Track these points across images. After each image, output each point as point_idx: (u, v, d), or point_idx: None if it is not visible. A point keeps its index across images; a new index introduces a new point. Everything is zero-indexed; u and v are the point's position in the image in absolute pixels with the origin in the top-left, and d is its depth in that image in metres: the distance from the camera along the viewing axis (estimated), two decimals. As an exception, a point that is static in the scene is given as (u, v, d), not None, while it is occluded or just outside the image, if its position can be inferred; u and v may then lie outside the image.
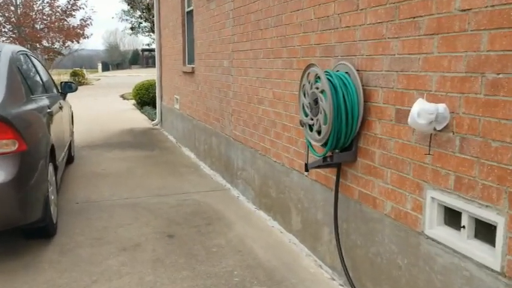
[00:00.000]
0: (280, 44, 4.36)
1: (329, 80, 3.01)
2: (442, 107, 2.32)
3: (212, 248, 4.04)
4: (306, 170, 3.45)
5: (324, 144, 3.12)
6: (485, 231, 2.21)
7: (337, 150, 3.20)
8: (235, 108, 5.77)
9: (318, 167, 3.34)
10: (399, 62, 2.69)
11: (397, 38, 2.71)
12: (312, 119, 3.19)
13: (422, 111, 2.30)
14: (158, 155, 8.14)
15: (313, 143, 3.24)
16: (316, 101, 3.10)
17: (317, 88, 3.07)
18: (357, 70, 3.08)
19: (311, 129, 3.25)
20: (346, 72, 3.12)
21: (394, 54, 2.74)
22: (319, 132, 3.15)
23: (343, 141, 3.08)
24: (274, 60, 4.52)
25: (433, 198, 2.48)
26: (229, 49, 5.95)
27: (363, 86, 3.02)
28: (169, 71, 10.19)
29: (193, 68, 7.84)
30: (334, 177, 3.44)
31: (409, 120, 2.38)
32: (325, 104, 2.97)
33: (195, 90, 7.80)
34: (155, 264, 3.73)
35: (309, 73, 3.20)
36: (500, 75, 2.03)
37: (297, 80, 4.02)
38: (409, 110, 2.56)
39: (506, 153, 2.02)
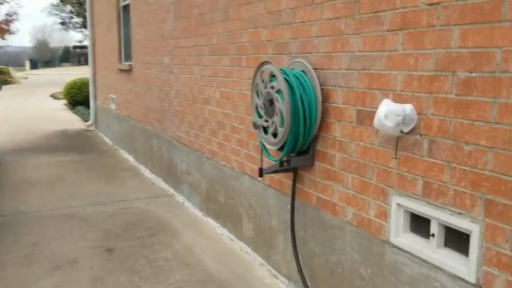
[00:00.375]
0: (228, 40, 4.10)
1: (285, 79, 2.80)
2: (409, 107, 2.17)
3: (158, 261, 3.71)
4: (260, 175, 3.22)
5: (281, 148, 2.91)
6: (457, 240, 2.09)
7: (293, 154, 3.00)
8: (178, 108, 5.44)
9: (274, 172, 3.12)
10: (360, 59, 2.53)
11: (357, 34, 2.55)
12: (267, 121, 2.97)
13: (390, 112, 2.14)
14: (94, 158, 7.59)
15: (268, 146, 3.02)
16: (271, 102, 2.88)
17: (272, 88, 2.85)
18: (314, 68, 2.89)
19: (266, 132, 3.03)
20: (302, 71, 2.93)
21: (355, 52, 2.58)
22: (275, 135, 2.93)
23: (301, 145, 2.88)
24: (221, 57, 4.25)
25: (399, 204, 2.34)
26: (170, 45, 5.60)
27: (320, 85, 2.83)
28: (104, 69, 9.60)
29: (130, 65, 7.38)
30: (290, 182, 3.24)
31: (374, 122, 2.22)
32: (282, 105, 2.76)
33: (132, 88, 7.34)
34: (94, 284, 3.35)
35: (262, 71, 2.97)
36: (474, 74, 1.91)
37: (247, 78, 3.78)
38: (372, 111, 2.40)
39: (480, 157, 1.90)
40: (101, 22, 9.65)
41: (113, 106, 8.83)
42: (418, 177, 2.20)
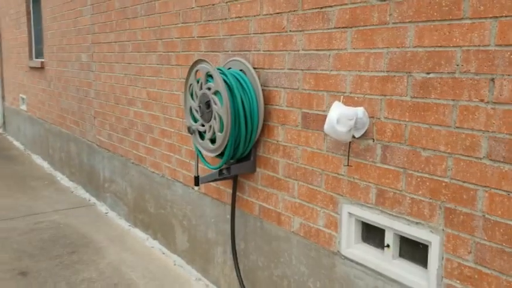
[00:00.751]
0: (154, 35, 3.76)
1: (224, 79, 2.55)
2: (360, 111, 2.02)
3: (80, 284, 3.30)
4: (197, 184, 2.95)
5: (220, 155, 2.66)
6: (413, 251, 1.98)
7: (232, 161, 2.76)
8: (98, 110, 4.97)
9: (213, 180, 2.86)
10: (305, 59, 2.35)
11: (301, 31, 2.36)
12: (204, 125, 2.70)
13: (342, 116, 1.97)
14: (1, 165, 6.81)
15: (205, 153, 2.76)
16: (208, 104, 2.61)
17: (209, 89, 2.59)
18: (254, 68, 2.67)
19: (202, 137, 2.76)
20: (241, 70, 2.70)
21: (298, 50, 2.39)
22: (213, 141, 2.68)
23: (242, 151, 2.65)
24: (146, 54, 3.90)
25: (350, 213, 2.19)
26: (88, 41, 5.10)
27: (262, 86, 2.62)
28: (12, 67, 8.69)
29: (42, 62, 6.70)
30: (229, 190, 3.01)
31: (325, 127, 2.04)
32: (221, 108, 2.51)
33: (46, 88, 6.67)
34: (3, 318, 2.88)
35: (197, 70, 2.70)
36: (431, 75, 1.79)
37: (177, 78, 3.48)
38: (319, 114, 2.24)
39: (439, 163, 1.79)
40: (8, 15, 8.73)
41: (23, 107, 8.01)
42: (371, 184, 2.07)
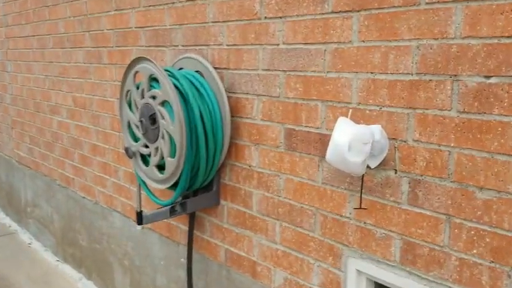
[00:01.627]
0: (80, 27, 2.96)
1: (174, 84, 1.85)
2: (377, 130, 1.41)
3: None
4: (140, 222, 2.23)
5: (173, 186, 1.96)
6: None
7: (188, 191, 2.07)
8: (16, 118, 4.08)
9: (163, 219, 2.16)
10: (288, 56, 1.71)
11: (281, 17, 1.71)
12: (147, 147, 1.99)
13: (355, 140, 1.34)
14: None
15: (150, 183, 2.04)
16: (153, 119, 1.90)
17: (154, 97, 1.88)
18: (216, 68, 1.99)
19: (146, 163, 2.04)
20: (198, 71, 2.01)
21: (278, 44, 1.74)
22: (161, 168, 1.97)
23: (202, 180, 1.97)
24: (71, 50, 3.09)
25: (359, 271, 1.58)
26: (1, 35, 4.19)
27: (227, 92, 1.95)
28: None
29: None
30: (184, 227, 2.31)
31: (329, 155, 1.41)
32: (172, 125, 1.81)
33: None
34: None
35: (136, 72, 1.97)
36: (493, 79, 1.20)
37: (110, 80, 2.72)
38: (310, 132, 1.61)
39: (507, 210, 1.20)
40: None
41: None
42: (392, 234, 1.46)
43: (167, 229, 2.45)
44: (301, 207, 1.74)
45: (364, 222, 1.53)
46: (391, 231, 1.46)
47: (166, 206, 2.02)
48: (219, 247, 2.13)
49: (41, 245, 3.90)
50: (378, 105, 1.45)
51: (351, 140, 1.34)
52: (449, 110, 1.28)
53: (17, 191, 4.27)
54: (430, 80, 1.32)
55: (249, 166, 1.93)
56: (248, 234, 1.98)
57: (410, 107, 1.37)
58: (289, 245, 1.81)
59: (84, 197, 3.17)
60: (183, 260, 2.38)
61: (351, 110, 1.48)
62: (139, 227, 2.23)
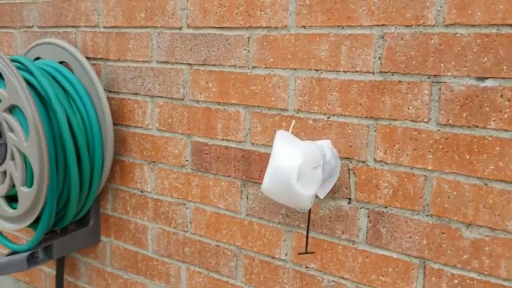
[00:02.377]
0: None
1: (28, 81, 1.28)
2: (327, 146, 1.04)
3: None
4: (-17, 272, 1.60)
5: (33, 224, 1.38)
6: None
7: (55, 229, 1.51)
8: None
9: (20, 270, 1.55)
10: (195, 44, 1.26)
11: (185, -9, 1.25)
12: (-11, 171, 1.38)
13: (306, 164, 0.96)
14: None
15: (-4, 222, 1.43)
16: (-5, 131, 1.31)
17: (-4, 100, 1.28)
18: (88, 58, 1.45)
19: (-12, 193, 1.43)
20: (63, 63, 1.45)
21: (181, 28, 1.28)
22: (12, 200, 1.38)
23: (74, 212, 1.42)
24: None
25: (298, 326, 1.21)
26: None
27: (107, 92, 1.43)
28: None
29: None
30: (50, 271, 1.73)
31: (267, 185, 1.00)
32: (26, 141, 1.24)
33: None
34: None
35: (-34, 62, 1.34)
36: (489, 82, 0.90)
37: None
38: (229, 148, 1.20)
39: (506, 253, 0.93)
40: None
41: None
42: (345, 282, 1.11)
43: (25, 272, 1.83)
44: (217, 246, 1.31)
45: (306, 267, 1.16)
46: (343, 278, 1.12)
47: (21, 252, 1.43)
48: (102, 297, 1.61)
49: None
50: (325, 114, 1.08)
51: (301, 165, 0.95)
52: (426, 122, 0.96)
53: None
54: (400, 82, 0.98)
55: (141, 192, 1.44)
56: (142, 281, 1.49)
57: (371, 117, 1.02)
58: (200, 294, 1.37)
59: None
60: (51, 313, 1.79)
61: (293, 122, 1.09)
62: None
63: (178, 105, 1.31)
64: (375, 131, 1.02)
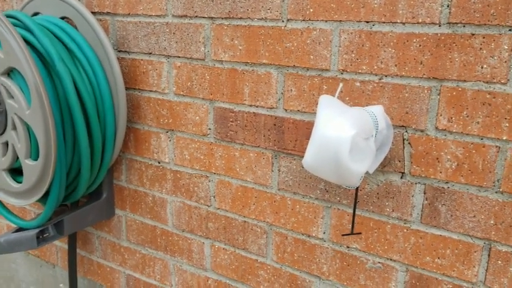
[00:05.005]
0: None
1: (27, 41, 1.12)
2: (379, 113, 0.89)
3: None
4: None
5: (42, 199, 1.26)
6: None
7: (65, 203, 1.39)
8: None
9: (28, 249, 1.45)
10: (218, -7, 1.08)
11: None
12: (-11, 142, 1.24)
13: (359, 135, 0.81)
14: None
15: (1, 196, 1.31)
16: (-7, 98, 1.16)
17: (-9, 62, 1.12)
18: (94, 13, 1.28)
19: (-11, 166, 1.30)
20: (65, 18, 1.27)
21: (200, -26, 1.10)
22: (16, 172, 1.25)
23: (86, 185, 1.30)
24: None
25: (337, 309, 1.11)
26: None
27: (116, 51, 1.27)
28: None
29: None
30: (62, 245, 1.63)
31: (309, 160, 0.86)
32: (28, 108, 1.09)
33: None
34: None
35: (-45, 19, 1.17)
36: None
37: None
38: (258, 114, 1.06)
39: None
40: None
41: None
42: (394, 264, 0.99)
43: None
44: (245, 222, 1.19)
45: (348, 247, 1.04)
46: (391, 259, 1.00)
47: (29, 229, 1.32)
48: (117, 272, 1.51)
49: None
50: (376, 74, 0.92)
51: (354, 135, 0.80)
52: (503, 84, 0.81)
53: None
54: (473, 35, 0.82)
55: (158, 162, 1.30)
56: (161, 257, 1.38)
57: (434, 78, 0.87)
58: (225, 272, 1.26)
59: None
60: (63, 286, 1.71)
61: (341, 84, 0.93)
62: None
63: (198, 66, 1.15)
64: (438, 95, 0.87)
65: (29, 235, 1.30)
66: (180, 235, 1.32)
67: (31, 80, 1.06)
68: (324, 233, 1.07)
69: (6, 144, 1.21)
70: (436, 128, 0.88)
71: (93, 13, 1.28)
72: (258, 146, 1.11)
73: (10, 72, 1.12)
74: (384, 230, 0.99)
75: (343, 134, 0.80)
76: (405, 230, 0.96)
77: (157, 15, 1.19)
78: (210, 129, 1.18)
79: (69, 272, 1.57)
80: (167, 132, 1.26)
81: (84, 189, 1.30)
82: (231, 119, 1.14)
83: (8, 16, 1.18)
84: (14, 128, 1.16)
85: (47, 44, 1.12)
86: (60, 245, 1.65)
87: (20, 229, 1.34)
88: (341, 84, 0.93)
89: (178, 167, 1.27)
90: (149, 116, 1.28)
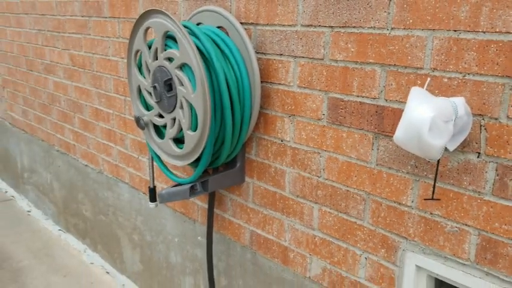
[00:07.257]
0: (76, -27, 2.59)
1: (195, 44, 1.54)
2: (461, 103, 1.12)
3: None
4: (153, 199, 1.99)
5: (194, 163, 1.69)
6: None
7: (209, 168, 1.81)
8: (7, 77, 3.74)
9: (182, 199, 1.90)
10: (338, 7, 1.39)
11: (330, -41, 1.38)
12: (162, 117, 1.70)
13: (438, 117, 1.06)
14: None
15: (165, 158, 1.77)
16: (169, 85, 1.61)
17: (170, 59, 1.57)
18: (242, 23, 1.67)
19: (161, 135, 1.77)
20: (220, 27, 1.69)
21: (324, -7, 1.42)
22: (178, 141, 1.70)
23: (227, 155, 1.70)
24: (66, 1, 2.73)
25: (419, 267, 1.34)
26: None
27: (256, 53, 1.64)
28: None
29: None
30: (202, 205, 2.07)
31: (399, 135, 1.13)
32: (192, 92, 1.51)
33: None
34: None
35: (147, 28, 1.65)
36: None
37: (113, 36, 2.39)
38: (363, 104, 1.33)
39: None
40: None
41: None
42: (468, 229, 1.21)
43: (181, 204, 2.21)
44: (347, 191, 1.48)
45: (431, 213, 1.28)
46: (466, 225, 1.21)
47: (184, 184, 1.76)
48: (243, 228, 1.89)
49: (42, 213, 3.68)
50: (460, 72, 1.16)
51: (433, 117, 1.05)
52: None
53: (12, 155, 4.00)
54: None
55: (281, 140, 1.65)
56: (279, 217, 1.73)
57: (507, 76, 1.08)
58: (330, 232, 1.56)
59: (86, 165, 2.91)
60: (200, 239, 2.15)
61: (429, 79, 1.19)
62: (152, 205, 1.98)
63: (318, 64, 1.47)
64: (511, 90, 1.08)
65: (184, 188, 1.74)
66: (294, 200, 1.66)
67: (197, 72, 1.48)
68: (412, 201, 1.32)
69: (174, 119, 1.66)
70: (508, 116, 1.09)
71: (241, 23, 1.67)
72: (362, 129, 1.40)
73: (182, 67, 1.55)
74: (461, 200, 1.21)
75: (425, 115, 1.06)
76: (479, 201, 1.18)
77: (289, 25, 1.53)
78: (323, 114, 1.49)
79: (207, 227, 2.00)
80: (290, 116, 1.60)
81: (224, 157, 1.71)
82: (341, 107, 1.44)
83: (184, 25, 1.62)
84: (181, 107, 1.59)
85: (209, 47, 1.53)
86: (201, 204, 2.09)
87: (176, 185, 1.79)
88: (429, 79, 1.18)
89: (296, 145, 1.60)
90: (276, 104, 1.63)
